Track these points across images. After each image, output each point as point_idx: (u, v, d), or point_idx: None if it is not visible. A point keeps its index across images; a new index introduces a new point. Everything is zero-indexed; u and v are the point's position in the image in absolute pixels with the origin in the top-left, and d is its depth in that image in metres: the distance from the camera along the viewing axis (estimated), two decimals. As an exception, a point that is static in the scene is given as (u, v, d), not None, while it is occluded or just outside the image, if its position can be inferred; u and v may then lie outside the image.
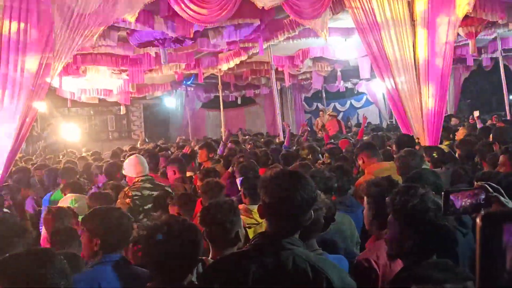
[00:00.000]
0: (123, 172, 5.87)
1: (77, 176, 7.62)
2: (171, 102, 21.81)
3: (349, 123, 20.06)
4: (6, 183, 6.79)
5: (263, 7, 7.67)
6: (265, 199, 2.38)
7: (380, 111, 23.52)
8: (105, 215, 3.25)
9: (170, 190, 5.67)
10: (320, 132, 15.47)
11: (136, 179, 5.58)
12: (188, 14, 7.40)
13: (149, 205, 5.35)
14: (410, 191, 2.48)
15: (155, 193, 5.44)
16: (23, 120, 6.61)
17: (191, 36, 9.22)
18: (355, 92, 23.50)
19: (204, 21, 7.80)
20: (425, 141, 7.80)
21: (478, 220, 1.01)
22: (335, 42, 12.73)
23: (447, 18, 7.91)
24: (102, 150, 16.38)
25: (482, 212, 1.02)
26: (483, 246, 1.00)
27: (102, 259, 3.11)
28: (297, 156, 7.52)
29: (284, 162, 7.13)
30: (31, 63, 6.67)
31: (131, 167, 5.69)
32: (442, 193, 2.52)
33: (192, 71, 14.89)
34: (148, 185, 5.54)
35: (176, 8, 7.35)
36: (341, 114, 23.15)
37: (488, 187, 2.43)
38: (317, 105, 24.61)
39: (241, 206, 4.71)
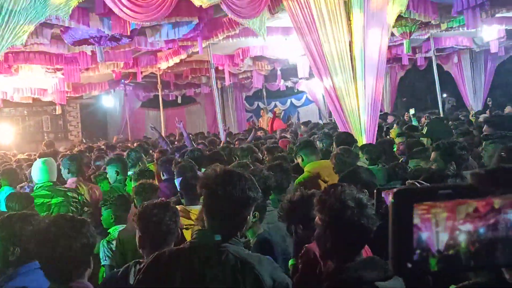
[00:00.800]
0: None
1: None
2: (109, 102, 21.39)
3: (290, 121, 20.26)
4: None
5: (201, 5, 7.64)
6: (202, 197, 2.42)
7: (320, 110, 23.92)
8: (24, 222, 3.01)
9: (74, 194, 5.42)
10: (260, 132, 15.59)
11: (35, 187, 5.35)
12: (123, 12, 7.26)
13: (44, 214, 5.00)
14: (330, 191, 2.49)
15: (52, 200, 5.20)
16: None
17: (128, 34, 9.07)
18: (295, 91, 23.78)
19: (140, 20, 7.67)
20: (362, 139, 7.97)
21: (390, 197, 1.03)
22: (275, 41, 12.83)
23: (381, 20, 8.13)
24: (37, 152, 15.85)
25: (394, 190, 1.04)
26: (395, 222, 1.01)
27: (22, 270, 2.90)
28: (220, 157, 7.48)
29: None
30: (-43, 61, 6.39)
31: (32, 174, 5.44)
32: (375, 191, 2.58)
33: (130, 70, 14.66)
34: (44, 192, 5.24)
35: (111, 5, 7.21)
36: (282, 113, 23.39)
37: (418, 185, 2.52)
38: (258, 104, 24.76)
39: (179, 207, 4.68)
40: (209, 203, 2.43)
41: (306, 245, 2.96)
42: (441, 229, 0.99)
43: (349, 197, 2.42)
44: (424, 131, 8.46)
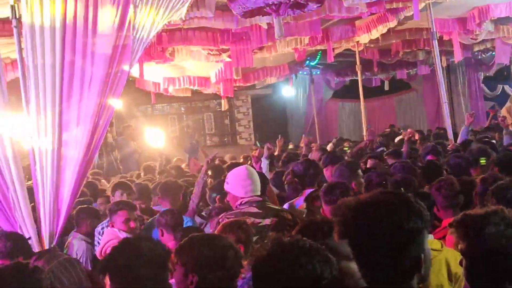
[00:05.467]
0: (225, 187, 5.87)
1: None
2: (290, 92, 21.85)
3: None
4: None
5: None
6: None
7: None
8: (205, 245, 3.39)
9: (288, 215, 5.58)
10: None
11: (240, 201, 5.58)
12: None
13: (255, 238, 5.11)
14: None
15: (264, 221, 5.38)
16: (95, 123, 6.69)
17: (316, -4, 9.17)
18: None
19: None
20: None
21: None
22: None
23: None
24: (197, 160, 16.68)
25: None
26: None
27: None
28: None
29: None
30: (103, 45, 6.85)
31: (237, 183, 5.69)
32: None
33: (318, 47, 14.88)
34: (255, 209, 5.47)
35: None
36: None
37: None
38: (503, 88, 23.77)
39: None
40: (361, 242, 2.54)
41: None
42: None
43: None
44: None
